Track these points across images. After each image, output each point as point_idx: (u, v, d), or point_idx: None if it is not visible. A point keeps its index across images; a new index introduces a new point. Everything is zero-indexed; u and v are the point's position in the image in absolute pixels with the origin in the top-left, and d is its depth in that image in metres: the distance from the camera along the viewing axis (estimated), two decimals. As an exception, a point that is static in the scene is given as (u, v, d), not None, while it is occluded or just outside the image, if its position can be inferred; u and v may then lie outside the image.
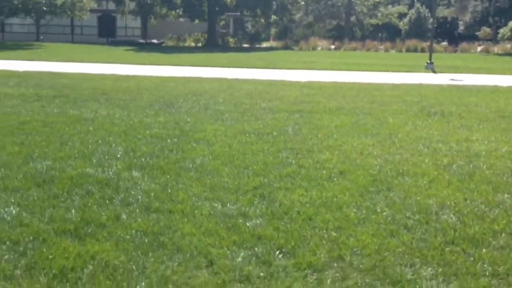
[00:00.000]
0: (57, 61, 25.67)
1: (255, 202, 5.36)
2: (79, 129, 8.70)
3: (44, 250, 4.11)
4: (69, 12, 52.69)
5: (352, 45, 45.91)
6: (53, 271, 3.77)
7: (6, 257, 3.97)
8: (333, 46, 46.76)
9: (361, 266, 3.99)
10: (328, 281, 3.76)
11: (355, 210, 5.12)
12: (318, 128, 9.23)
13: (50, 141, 7.75)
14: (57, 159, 6.76)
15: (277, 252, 4.20)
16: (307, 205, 5.29)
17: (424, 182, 6.10)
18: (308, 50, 43.54)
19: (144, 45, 45.99)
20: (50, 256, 3.99)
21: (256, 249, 4.25)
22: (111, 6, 55.54)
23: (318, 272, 3.89)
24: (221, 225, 4.74)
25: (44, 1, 49.96)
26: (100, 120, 9.50)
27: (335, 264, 4.01)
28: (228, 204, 5.25)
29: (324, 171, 6.47)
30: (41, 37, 53.21)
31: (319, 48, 45.57)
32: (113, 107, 11.08)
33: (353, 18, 68.85)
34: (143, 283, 3.66)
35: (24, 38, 52.89)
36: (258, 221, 4.83)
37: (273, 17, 50.32)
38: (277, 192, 5.67)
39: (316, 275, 3.86)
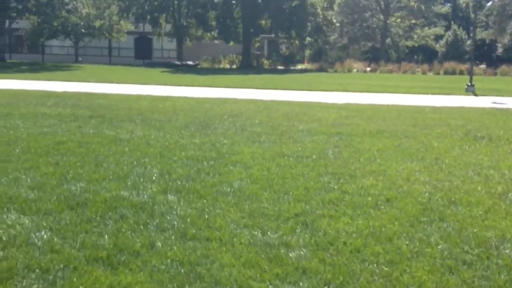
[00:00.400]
0: (94, 82, 26.01)
1: (297, 230, 5.02)
2: (115, 150, 8.54)
3: (75, 279, 3.85)
4: (106, 34, 53.78)
5: (388, 67, 45.34)
6: (84, 305, 3.50)
7: (35, 286, 3.73)
8: (368, 68, 46.27)
9: (419, 307, 3.59)
10: (384, 324, 3.38)
11: (407, 242, 4.72)
12: (359, 152, 8.85)
13: (85, 162, 7.60)
14: (92, 181, 6.57)
15: (324, 288, 3.84)
16: (354, 235, 4.91)
17: (480, 212, 5.65)
18: (343, 72, 43.17)
19: (180, 67, 46.43)
20: (81, 287, 3.73)
21: (301, 283, 3.91)
22: (148, 28, 56.48)
23: (371, 313, 3.52)
24: (262, 255, 4.41)
25: (82, 24, 51.13)
26: (136, 141, 9.34)
27: (390, 304, 3.63)
28: (268, 232, 4.93)
29: (370, 198, 6.09)
30: (80, 59, 54.43)
31: (355, 70, 45.14)
32: (148, 128, 10.95)
33: (388, 40, 68.30)
34: (179, 321, 3.35)
35: (63, 59, 54.22)
36: (302, 252, 4.48)
37: (308, 38, 50.21)
38: (320, 220, 5.31)
39: (369, 316, 3.48)
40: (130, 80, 27.40)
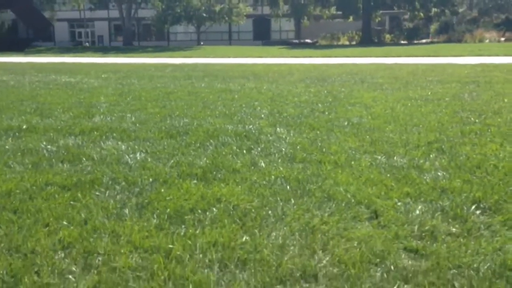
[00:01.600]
0: (213, 57, 26.15)
1: (431, 155, 4.07)
2: (224, 97, 8.05)
3: (162, 190, 3.28)
4: (226, 18, 54.53)
5: (526, 36, 40.90)
6: (168, 211, 2.90)
7: (118, 197, 3.21)
8: (503, 38, 42.15)
9: None
10: None
11: None
12: (502, 95, 7.54)
13: (192, 105, 7.16)
14: (196, 118, 6.08)
15: (473, 207, 2.90)
16: (507, 159, 3.87)
17: None
18: (474, 42, 39.70)
19: (297, 44, 45.76)
20: (168, 197, 3.14)
21: (440, 202, 3.00)
22: (266, 10, 56.45)
23: (544, 232, 2.54)
24: (388, 175, 3.55)
25: (203, 8, 52.31)
26: (247, 91, 8.78)
27: None
28: (395, 157, 4.04)
29: (523, 128, 4.93)
30: (202, 43, 55.84)
31: (487, 41, 41.33)
32: (261, 82, 10.37)
33: (525, 10, 61.99)
34: (280, 232, 2.62)
35: (187, 44, 55.96)
36: (439, 173, 3.55)
37: (434, 9, 46.73)
38: (460, 147, 4.31)
39: (542, 235, 2.50)
40: (247, 55, 27.23)
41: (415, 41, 46.42)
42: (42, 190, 3.31)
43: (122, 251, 2.37)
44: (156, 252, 2.35)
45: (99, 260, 2.29)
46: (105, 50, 38.46)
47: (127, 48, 43.21)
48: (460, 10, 61.33)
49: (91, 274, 2.17)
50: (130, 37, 52.06)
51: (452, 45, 34.52)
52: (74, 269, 2.21)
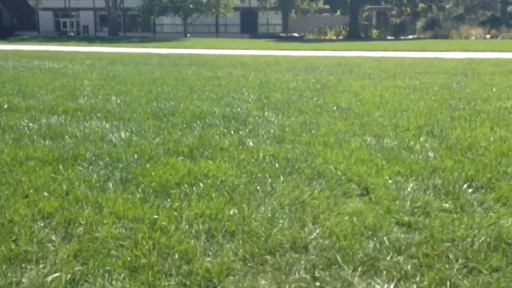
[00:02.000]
0: (199, 48, 25.96)
1: (421, 138, 4.02)
2: (211, 83, 7.94)
3: (148, 166, 3.19)
4: (214, 10, 54.16)
5: (512, 34, 41.24)
6: (153, 185, 2.81)
7: (102, 171, 3.11)
8: (488, 36, 42.47)
9: None
10: (561, 220, 2.34)
11: None
12: (490, 85, 7.54)
13: (178, 90, 7.05)
14: (183, 101, 5.97)
15: (465, 185, 2.85)
16: (498, 142, 3.83)
17: None
18: (460, 39, 39.95)
19: (285, 38, 45.67)
20: (153, 173, 3.05)
21: (432, 181, 2.94)
22: (253, 3, 56.20)
23: (539, 208, 2.49)
24: (378, 155, 3.49)
25: (191, -1, 51.89)
26: (234, 78, 8.68)
27: None
28: (385, 140, 3.98)
29: (512, 115, 4.91)
30: (188, 35, 55.44)
31: (473, 37, 41.62)
32: (248, 70, 10.26)
33: (510, 8, 62.54)
34: (269, 206, 2.54)
35: (173, 36, 55.52)
36: (430, 154, 3.51)
37: (421, 5, 46.86)
38: (450, 131, 4.28)
39: (536, 212, 2.46)
40: (234, 47, 27.10)
41: (402, 37, 46.57)
42: (22, 164, 3.20)
43: (104, 221, 2.28)
44: (141, 223, 2.26)
45: (80, 230, 2.19)
46: (90, 39, 38.00)
47: (113, 38, 42.79)
48: (447, 6, 61.63)
49: (72, 243, 2.08)
50: (115, 27, 51.56)
51: (438, 41, 34.67)
52: (54, 238, 2.12)
